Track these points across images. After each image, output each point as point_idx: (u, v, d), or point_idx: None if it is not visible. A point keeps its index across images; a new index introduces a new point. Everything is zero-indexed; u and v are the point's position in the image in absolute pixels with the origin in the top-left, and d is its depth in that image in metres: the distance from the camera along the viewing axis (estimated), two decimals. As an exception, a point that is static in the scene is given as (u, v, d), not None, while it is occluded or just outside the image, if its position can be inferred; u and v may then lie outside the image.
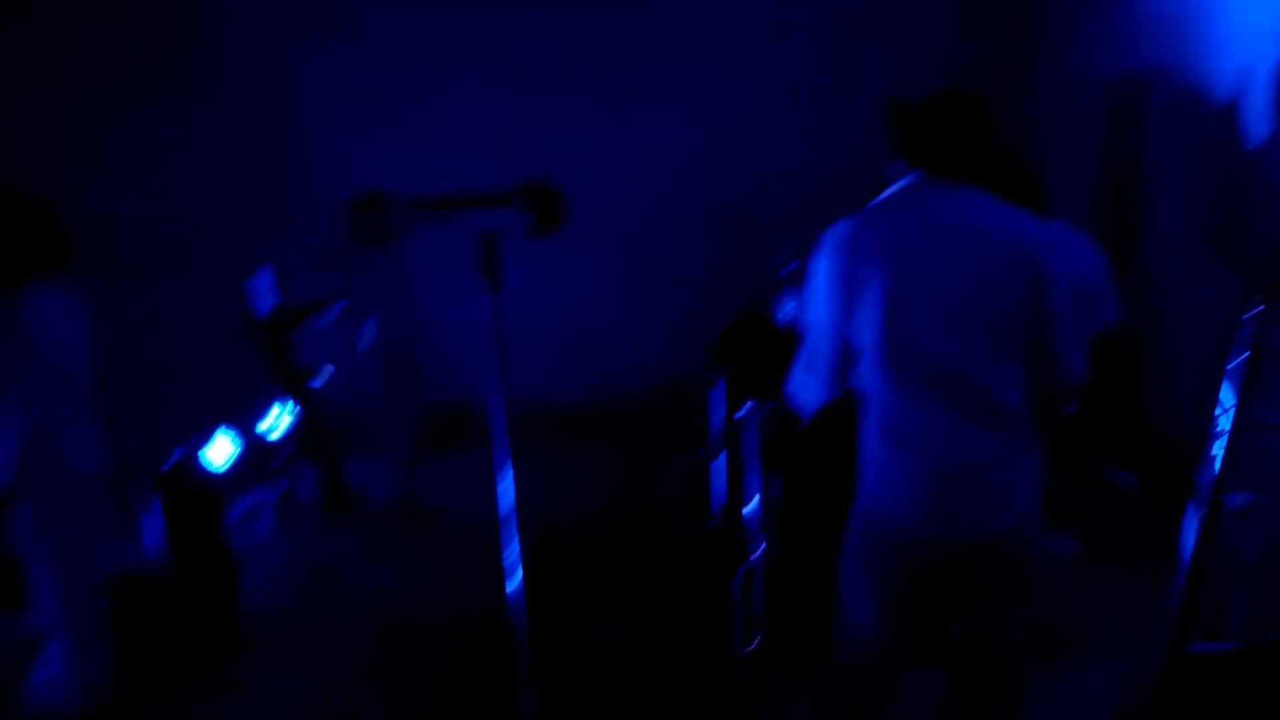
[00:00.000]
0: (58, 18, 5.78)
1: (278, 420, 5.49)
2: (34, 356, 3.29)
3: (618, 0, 5.80)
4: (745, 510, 3.33)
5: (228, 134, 5.91)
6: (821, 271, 2.49)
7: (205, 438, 4.90)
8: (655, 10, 5.72)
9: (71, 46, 5.64)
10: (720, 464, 3.81)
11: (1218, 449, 2.81)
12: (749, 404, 3.29)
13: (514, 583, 2.47)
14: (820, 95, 5.35)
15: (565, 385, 5.86)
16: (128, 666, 3.64)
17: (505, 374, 2.41)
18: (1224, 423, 2.81)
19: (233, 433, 5.03)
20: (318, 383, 5.42)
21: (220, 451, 4.93)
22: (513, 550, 2.44)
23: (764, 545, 3.36)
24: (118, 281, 4.97)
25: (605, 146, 5.73)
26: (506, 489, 2.40)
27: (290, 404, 5.44)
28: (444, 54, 6.00)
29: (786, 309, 3.79)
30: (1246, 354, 2.77)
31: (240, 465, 5.11)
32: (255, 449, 5.37)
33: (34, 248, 3.34)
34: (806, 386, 2.59)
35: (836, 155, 4.38)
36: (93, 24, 5.71)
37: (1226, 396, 2.82)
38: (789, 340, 2.85)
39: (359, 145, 5.85)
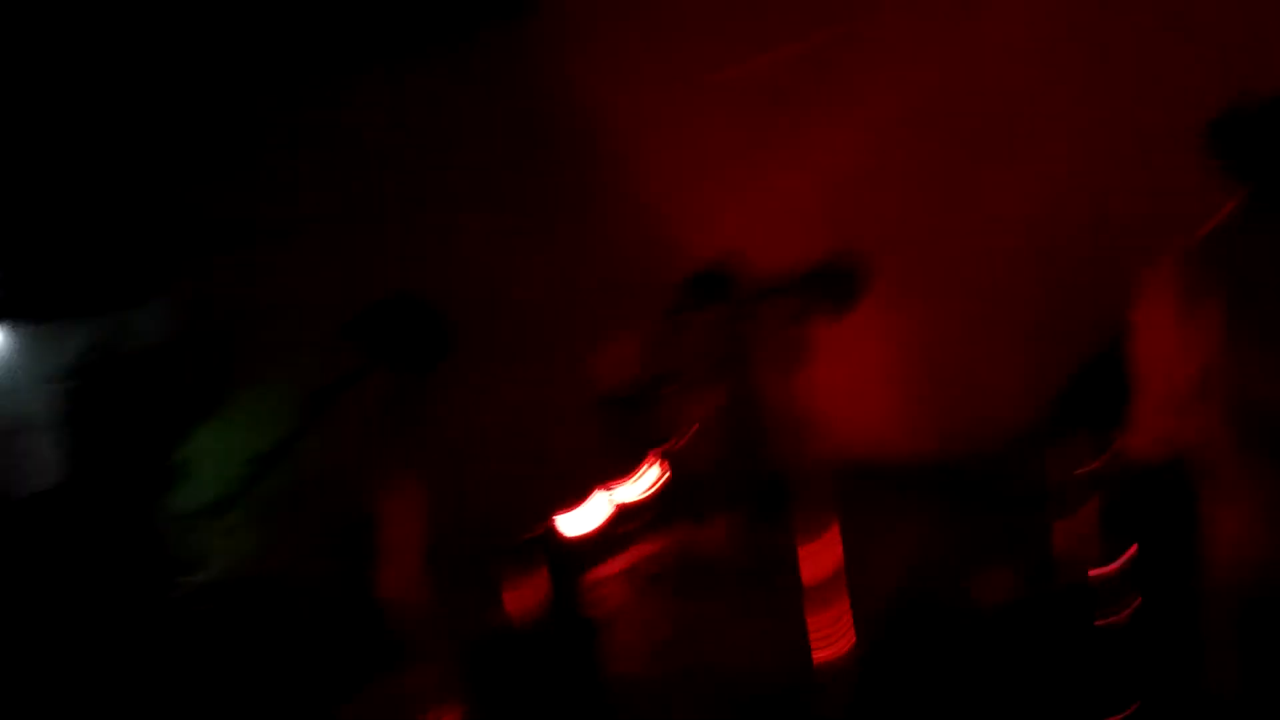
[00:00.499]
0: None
1: (637, 486, 5.77)
2: (435, 439, 3.79)
3: (955, 57, 5.67)
4: (1102, 572, 3.12)
5: (577, 211, 6.39)
6: (1154, 310, 2.34)
7: (570, 504, 5.28)
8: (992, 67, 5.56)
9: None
10: (1065, 523, 3.58)
11: None
12: (1098, 457, 3.09)
13: (835, 649, 2.47)
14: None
15: (903, 434, 5.74)
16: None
17: (822, 440, 2.43)
18: None
19: (595, 499, 5.37)
20: (673, 450, 5.65)
21: (583, 517, 5.28)
22: (833, 617, 2.45)
23: (1127, 607, 3.13)
24: (492, 363, 5.50)
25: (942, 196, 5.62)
26: (824, 555, 2.41)
27: (648, 471, 5.71)
28: (783, 123, 6.14)
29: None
30: None
31: (602, 530, 5.43)
32: (616, 514, 5.68)
33: (429, 344, 3.90)
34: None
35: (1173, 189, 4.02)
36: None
37: None
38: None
39: (700, 213, 6.09)
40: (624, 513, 5.73)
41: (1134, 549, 3.29)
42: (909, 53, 5.78)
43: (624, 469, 5.70)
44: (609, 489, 5.65)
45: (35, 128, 6.82)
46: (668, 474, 5.59)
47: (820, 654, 2.58)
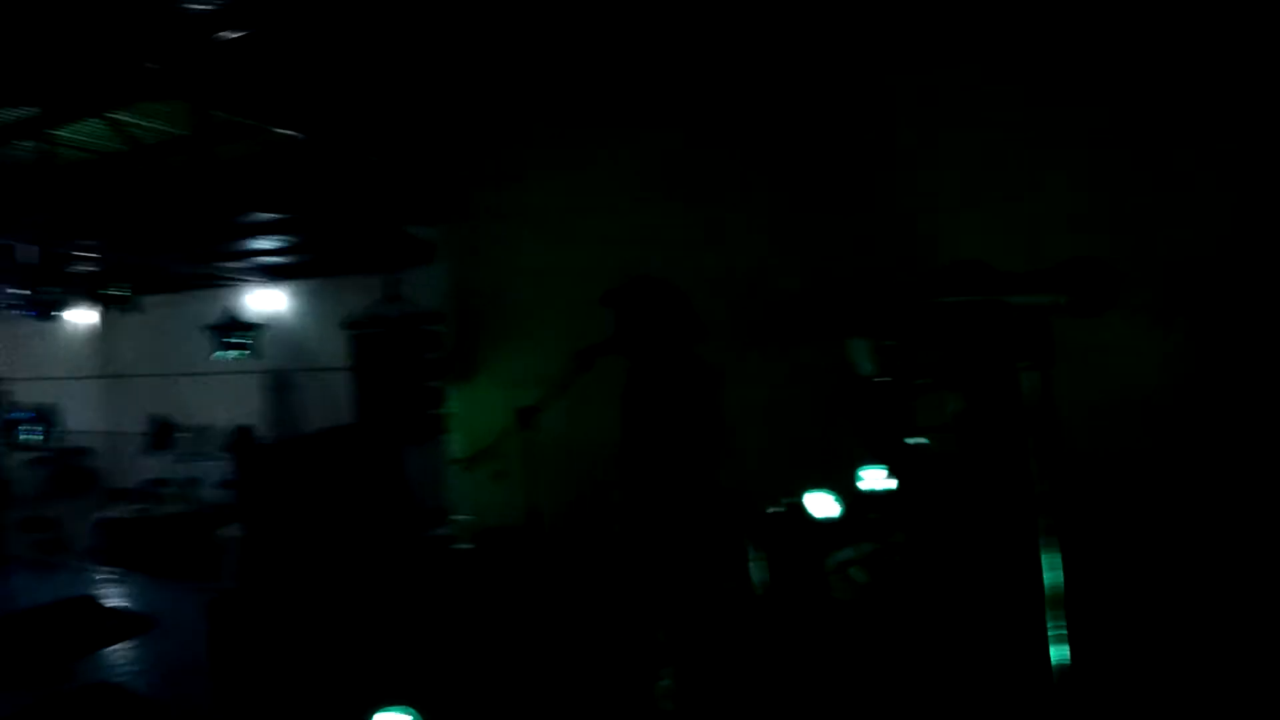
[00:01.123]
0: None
1: (874, 480, 5.81)
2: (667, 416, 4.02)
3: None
4: None
5: (831, 205, 6.47)
6: None
7: (808, 490, 5.39)
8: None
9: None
10: None
11: None
12: None
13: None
14: None
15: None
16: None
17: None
18: None
19: (832, 488, 5.46)
20: (922, 443, 5.65)
21: (821, 504, 5.38)
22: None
23: None
24: (732, 351, 5.68)
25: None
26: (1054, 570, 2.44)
27: (896, 461, 5.73)
28: (1047, 121, 5.97)
29: None
30: None
31: (839, 518, 5.51)
32: (853, 505, 5.75)
33: (677, 325, 4.12)
34: None
35: None
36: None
37: None
38: None
39: (957, 214, 6.03)
40: (870, 500, 5.79)
41: None
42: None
43: (873, 457, 5.76)
44: (857, 475, 5.73)
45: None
46: (916, 465, 5.60)
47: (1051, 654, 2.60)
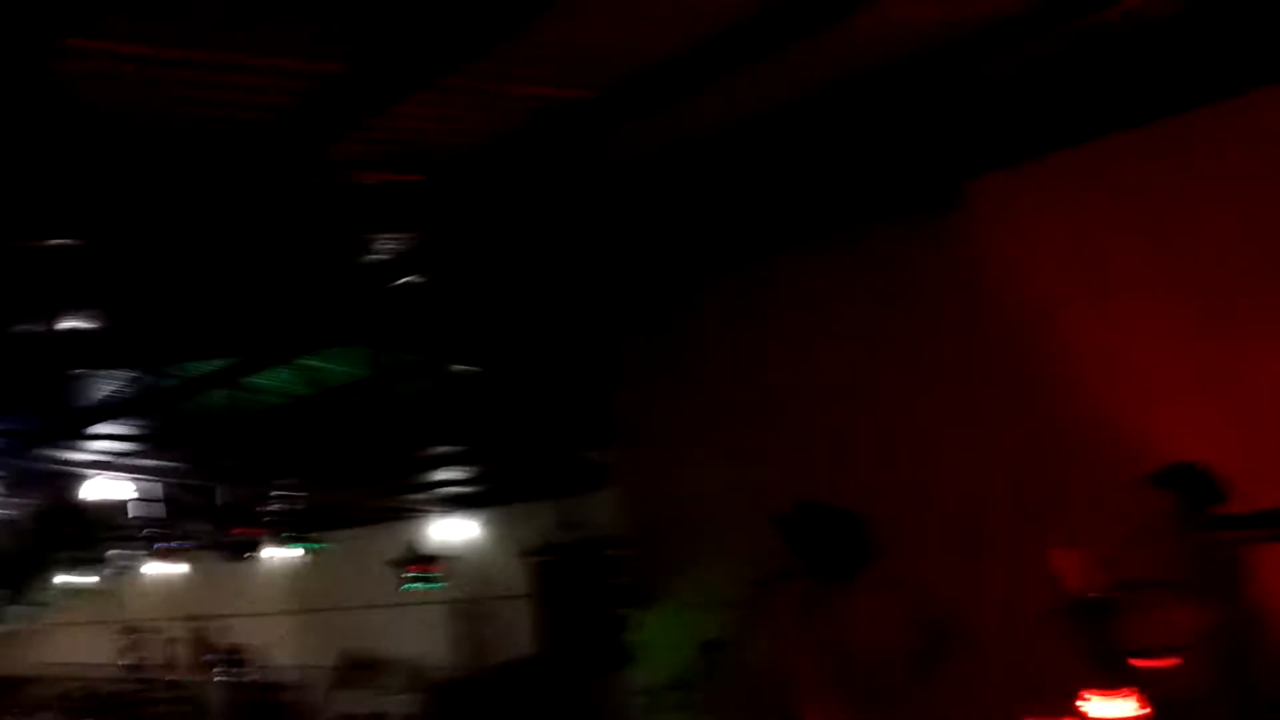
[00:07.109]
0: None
1: (1113, 705, 5.17)
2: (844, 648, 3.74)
3: None
4: None
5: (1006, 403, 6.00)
6: None
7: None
8: None
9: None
10: None
11: None
12: None
13: None
14: None
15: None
16: None
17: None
18: None
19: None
20: (1154, 667, 5.03)
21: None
22: None
23: None
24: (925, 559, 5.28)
25: None
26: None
27: (1125, 688, 5.11)
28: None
29: None
30: None
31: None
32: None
33: (848, 550, 3.93)
34: None
35: None
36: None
37: None
38: None
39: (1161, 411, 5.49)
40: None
41: None
42: None
43: (1096, 683, 5.13)
44: (1080, 704, 5.10)
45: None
46: (1148, 693, 4.95)
47: None
